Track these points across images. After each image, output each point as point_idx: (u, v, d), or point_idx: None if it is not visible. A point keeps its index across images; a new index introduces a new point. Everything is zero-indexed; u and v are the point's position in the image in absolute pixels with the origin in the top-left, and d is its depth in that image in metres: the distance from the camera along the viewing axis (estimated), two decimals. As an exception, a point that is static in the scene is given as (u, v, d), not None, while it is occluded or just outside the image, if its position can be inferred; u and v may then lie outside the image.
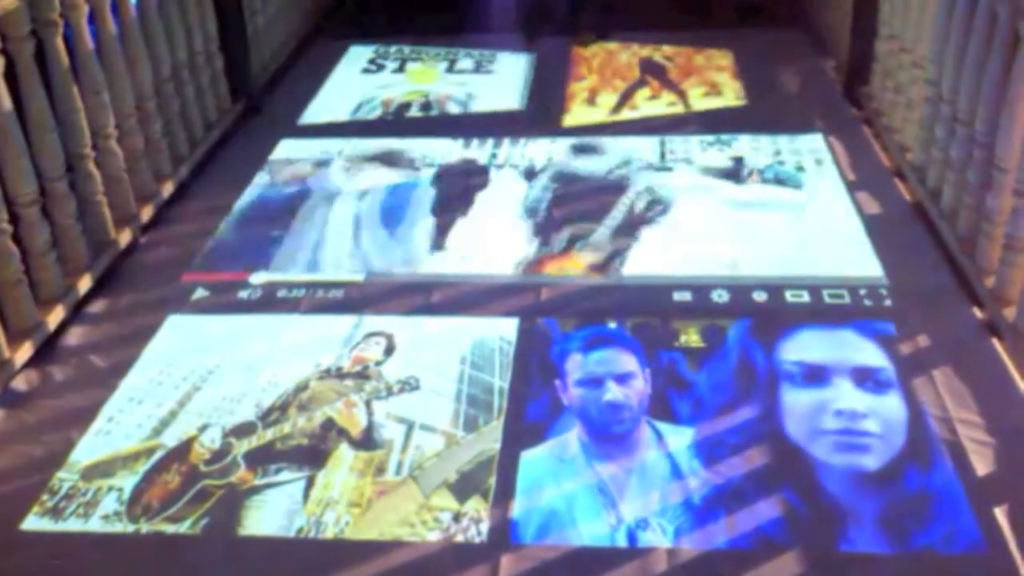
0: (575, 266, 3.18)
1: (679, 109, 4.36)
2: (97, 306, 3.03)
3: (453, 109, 4.45)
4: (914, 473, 2.33)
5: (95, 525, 2.29)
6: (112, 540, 2.26)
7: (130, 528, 2.29)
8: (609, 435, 2.50)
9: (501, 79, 4.75)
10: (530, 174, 3.75)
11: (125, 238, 3.25)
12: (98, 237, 3.13)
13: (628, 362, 2.71)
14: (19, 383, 2.69)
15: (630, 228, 3.36)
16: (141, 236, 3.35)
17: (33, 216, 2.80)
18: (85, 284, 3.01)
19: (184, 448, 2.50)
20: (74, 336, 2.90)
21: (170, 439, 2.53)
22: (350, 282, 3.12)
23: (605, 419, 2.54)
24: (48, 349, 2.82)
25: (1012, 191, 2.67)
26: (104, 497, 2.36)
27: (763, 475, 2.34)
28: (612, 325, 2.87)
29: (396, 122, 4.33)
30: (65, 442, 2.51)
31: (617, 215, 3.42)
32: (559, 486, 2.34)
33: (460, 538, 2.22)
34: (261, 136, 4.12)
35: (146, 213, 3.39)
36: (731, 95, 4.44)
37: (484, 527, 2.24)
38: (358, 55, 5.01)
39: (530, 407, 2.58)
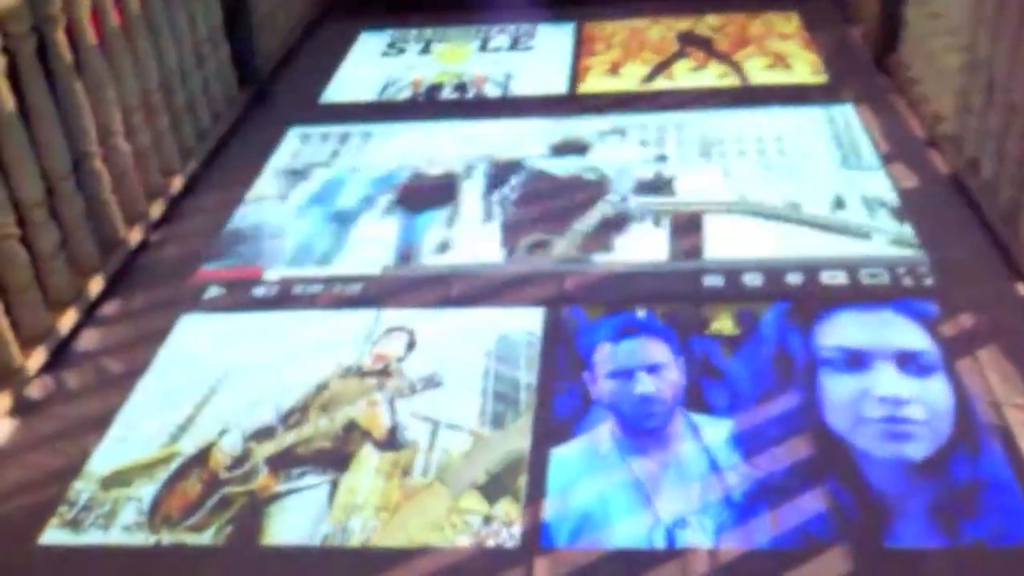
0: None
1: (733, 82, 4.14)
2: (110, 308, 2.95)
3: (492, 91, 4.25)
4: (962, 462, 2.23)
5: (115, 537, 2.22)
6: (133, 553, 2.18)
7: (151, 539, 2.21)
8: (642, 429, 2.41)
9: (542, 56, 4.53)
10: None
11: (135, 236, 3.16)
12: (108, 236, 3.05)
13: (659, 352, 2.61)
14: (33, 390, 2.62)
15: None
16: (152, 233, 3.26)
17: (40, 217, 2.72)
18: (97, 285, 2.93)
19: (203, 454, 2.43)
20: (87, 340, 2.82)
21: (189, 445, 2.45)
22: (368, 276, 3.02)
23: (637, 412, 2.44)
24: (62, 354, 2.74)
25: (1058, 162, 2.56)
26: (123, 508, 2.29)
27: (805, 468, 2.25)
28: (641, 313, 2.77)
29: (430, 103, 4.18)
30: (81, 451, 2.44)
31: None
32: (592, 485, 2.25)
33: (491, 542, 2.14)
34: (271, 124, 4.01)
35: (156, 209, 3.30)
36: (805, 69, 4.17)
37: (516, 530, 2.15)
38: (372, 38, 4.85)
39: (558, 402, 2.48)
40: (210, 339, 2.83)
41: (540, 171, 3.54)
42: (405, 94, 4.27)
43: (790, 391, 2.46)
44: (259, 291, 3.00)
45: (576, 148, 3.67)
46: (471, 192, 3.44)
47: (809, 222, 3.11)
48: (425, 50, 4.68)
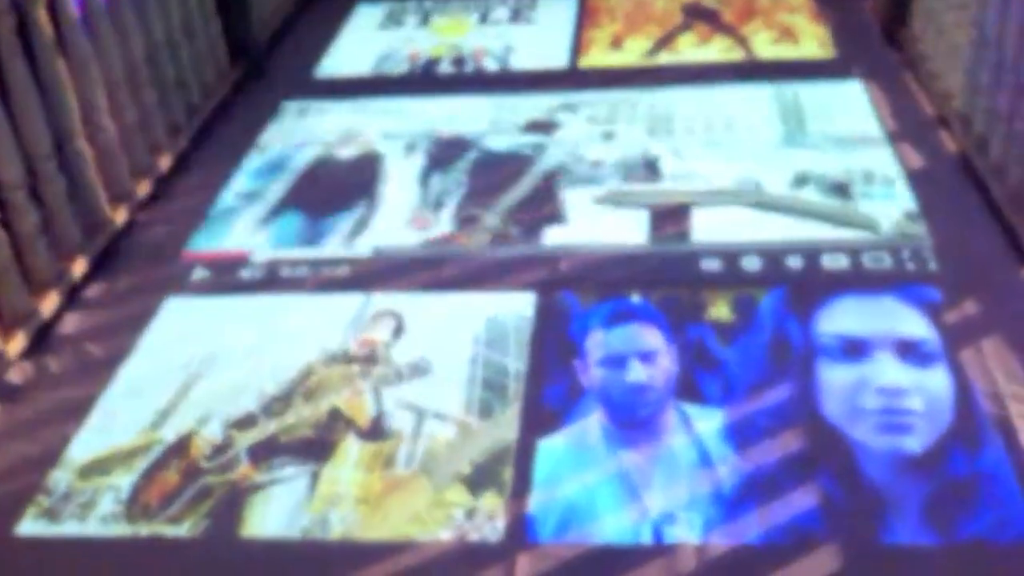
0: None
1: (738, 55, 4.03)
2: (93, 290, 2.89)
3: (490, 65, 4.16)
4: (961, 455, 2.16)
5: (92, 528, 2.17)
6: (110, 544, 2.13)
7: (129, 530, 2.16)
8: (632, 420, 2.34)
9: (543, 29, 4.42)
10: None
11: (121, 217, 3.10)
12: (92, 217, 2.99)
13: (652, 338, 2.53)
14: (14, 375, 2.57)
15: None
16: (138, 213, 3.19)
17: (21, 200, 2.66)
18: (80, 267, 2.87)
19: (184, 443, 2.37)
20: (70, 323, 2.76)
21: (169, 433, 2.40)
22: (356, 258, 2.96)
23: (628, 402, 2.37)
24: (43, 338, 2.69)
25: (1067, 144, 2.46)
26: (102, 497, 2.24)
27: (799, 461, 2.18)
28: (636, 298, 2.69)
29: (427, 78, 4.09)
30: (61, 438, 2.39)
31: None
32: (579, 478, 2.19)
33: (474, 536, 2.08)
34: (265, 99, 3.92)
35: (143, 189, 3.23)
36: (812, 44, 4.07)
37: (500, 524, 2.10)
38: (369, 10, 4.73)
39: (548, 391, 2.42)
40: (195, 323, 2.77)
41: (486, 150, 3.49)
42: (402, 68, 4.18)
43: (786, 381, 2.39)
44: (246, 273, 2.94)
45: (544, 127, 3.58)
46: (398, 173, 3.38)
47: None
48: (424, 22, 4.57)
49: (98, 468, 2.33)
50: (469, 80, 4.06)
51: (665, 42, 4.16)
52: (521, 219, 3.07)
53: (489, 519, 2.11)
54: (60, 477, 2.30)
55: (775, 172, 3.17)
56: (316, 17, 4.72)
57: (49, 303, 2.73)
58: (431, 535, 2.09)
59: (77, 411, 2.47)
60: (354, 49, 4.38)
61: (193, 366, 2.59)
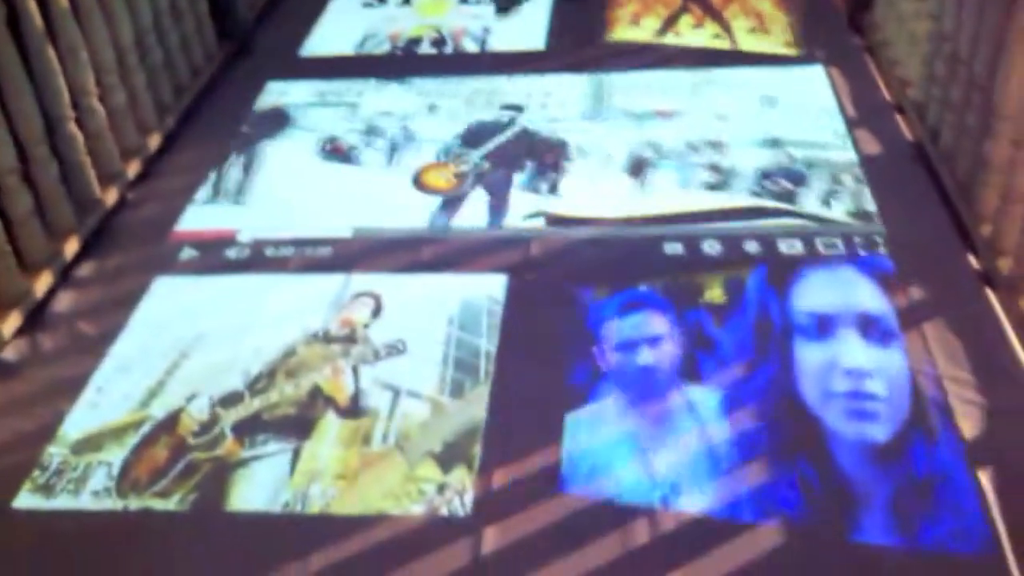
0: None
1: (724, 44, 4.13)
2: (85, 269, 3.01)
3: (470, 46, 4.26)
4: (920, 448, 2.27)
5: (85, 502, 2.31)
6: (102, 518, 2.27)
7: (119, 505, 2.30)
8: (643, 399, 2.48)
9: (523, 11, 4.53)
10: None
11: (111, 196, 3.21)
12: (83, 197, 3.10)
13: (660, 325, 2.70)
14: (9, 353, 2.70)
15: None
16: (128, 192, 3.31)
17: (14, 183, 2.77)
18: (72, 247, 3.00)
19: (172, 420, 2.50)
20: (63, 302, 2.89)
21: (159, 410, 2.53)
22: (338, 239, 3.09)
23: (639, 382, 2.53)
24: (37, 316, 2.82)
25: (1009, 141, 2.59)
26: (94, 473, 2.38)
27: (784, 445, 2.31)
28: (643, 288, 2.82)
29: (408, 59, 4.19)
30: (55, 415, 2.52)
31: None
32: (599, 445, 2.34)
33: (444, 511, 2.23)
34: (251, 78, 4.03)
35: (132, 168, 3.35)
36: (779, 36, 4.14)
37: (468, 499, 2.25)
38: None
39: (574, 373, 2.54)
40: (183, 302, 2.89)
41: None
42: (383, 48, 4.28)
43: (770, 361, 2.54)
44: (231, 253, 3.06)
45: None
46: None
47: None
48: (405, 1, 4.67)
49: (90, 444, 2.46)
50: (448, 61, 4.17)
51: (670, 23, 4.27)
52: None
53: (458, 494, 2.27)
54: (55, 452, 2.42)
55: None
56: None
57: (43, 283, 2.86)
58: (404, 510, 2.24)
59: (70, 388, 2.59)
60: (338, 28, 4.47)
61: (181, 345, 2.71)
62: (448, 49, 4.25)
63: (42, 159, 2.89)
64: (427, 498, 2.26)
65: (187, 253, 3.07)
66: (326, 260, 3.01)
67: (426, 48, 4.26)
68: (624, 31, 4.25)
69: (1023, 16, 2.51)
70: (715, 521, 2.15)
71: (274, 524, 2.24)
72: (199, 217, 3.24)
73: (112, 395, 2.59)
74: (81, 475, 2.38)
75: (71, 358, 2.71)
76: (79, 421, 2.52)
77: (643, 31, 4.25)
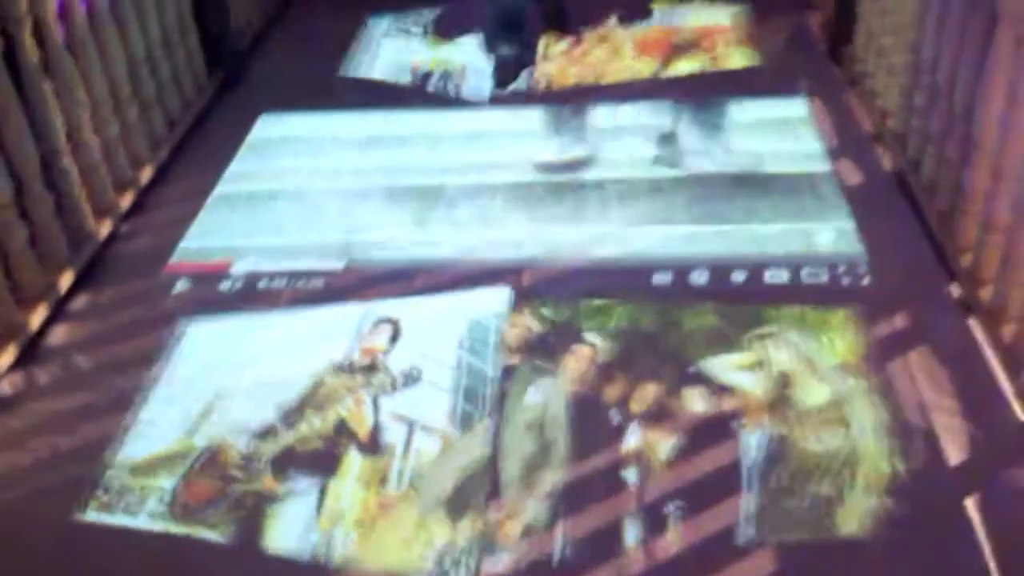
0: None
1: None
2: (79, 302, 3.03)
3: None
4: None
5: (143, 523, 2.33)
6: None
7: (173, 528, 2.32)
8: None
9: None
10: None
11: (105, 229, 3.24)
12: (77, 230, 3.12)
13: None
14: (4, 387, 2.72)
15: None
16: (121, 225, 3.34)
17: (10, 217, 2.79)
18: (67, 280, 3.02)
19: (215, 451, 2.52)
20: (57, 335, 2.91)
21: (201, 440, 2.55)
22: (330, 271, 3.11)
23: None
24: (32, 350, 2.83)
25: (989, 171, 2.65)
26: (150, 496, 2.40)
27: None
28: None
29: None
30: (51, 448, 2.54)
31: None
32: None
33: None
34: (243, 109, 4.05)
35: (125, 201, 3.37)
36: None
37: (473, 561, 2.20)
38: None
39: None
40: (198, 341, 2.88)
41: None
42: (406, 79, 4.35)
43: None
44: (225, 285, 3.08)
45: None
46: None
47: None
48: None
49: (145, 469, 2.47)
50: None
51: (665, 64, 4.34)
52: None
53: (464, 553, 2.21)
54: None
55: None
56: (292, 25, 4.88)
57: (38, 316, 2.88)
58: (416, 567, 2.19)
59: (68, 421, 2.61)
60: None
61: (209, 383, 2.70)
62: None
63: (37, 193, 2.92)
64: (437, 553, 2.22)
65: (181, 285, 3.09)
66: (320, 292, 3.03)
67: (436, 82, 4.33)
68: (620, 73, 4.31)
69: (1002, 48, 2.57)
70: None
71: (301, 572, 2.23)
72: (192, 249, 3.27)
73: (157, 425, 2.60)
74: (137, 499, 2.39)
75: (66, 391, 2.72)
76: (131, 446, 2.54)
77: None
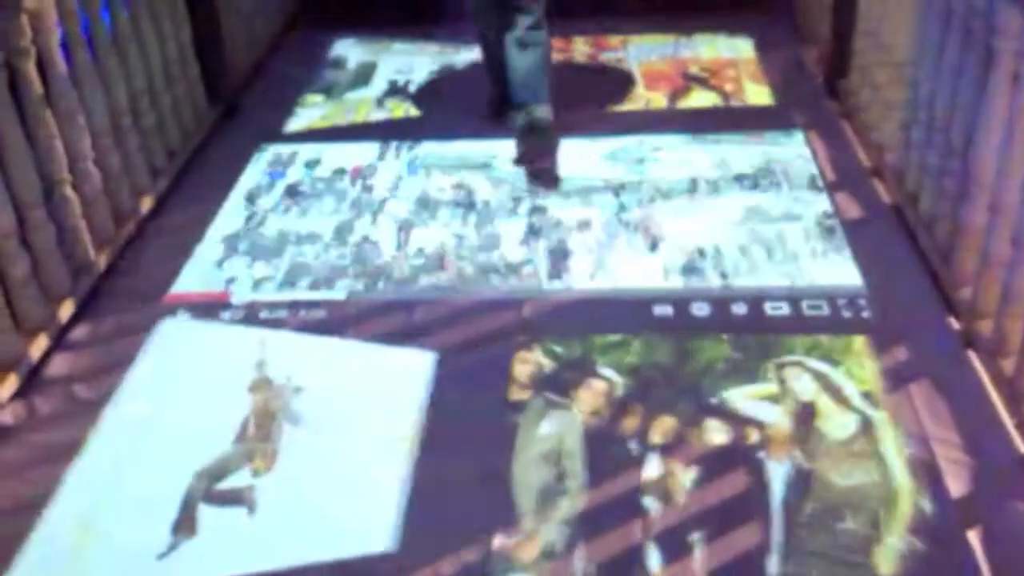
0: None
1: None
2: (79, 332, 3.03)
3: None
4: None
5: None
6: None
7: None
8: None
9: None
10: None
11: (105, 259, 3.24)
12: (78, 260, 3.13)
13: None
14: (5, 417, 2.70)
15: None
16: (121, 255, 3.34)
17: (11, 247, 2.79)
18: (67, 310, 3.02)
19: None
20: (58, 365, 2.90)
21: None
22: (331, 301, 3.12)
23: None
24: (33, 380, 2.82)
25: (986, 206, 2.68)
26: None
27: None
28: None
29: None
30: (52, 479, 2.53)
31: None
32: None
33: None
34: (241, 141, 4.09)
35: (125, 231, 3.38)
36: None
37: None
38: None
39: None
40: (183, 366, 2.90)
41: None
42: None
43: None
44: (226, 315, 3.09)
45: None
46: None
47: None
48: None
49: None
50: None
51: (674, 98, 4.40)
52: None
53: None
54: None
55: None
56: (292, 55, 4.92)
57: (38, 346, 2.87)
58: None
59: (67, 453, 2.59)
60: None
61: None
62: None
63: (39, 223, 2.92)
64: None
65: (181, 315, 3.09)
66: (319, 322, 3.03)
67: None
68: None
69: (999, 84, 2.61)
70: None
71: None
72: (192, 280, 3.27)
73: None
74: None
75: (66, 422, 2.71)
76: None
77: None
